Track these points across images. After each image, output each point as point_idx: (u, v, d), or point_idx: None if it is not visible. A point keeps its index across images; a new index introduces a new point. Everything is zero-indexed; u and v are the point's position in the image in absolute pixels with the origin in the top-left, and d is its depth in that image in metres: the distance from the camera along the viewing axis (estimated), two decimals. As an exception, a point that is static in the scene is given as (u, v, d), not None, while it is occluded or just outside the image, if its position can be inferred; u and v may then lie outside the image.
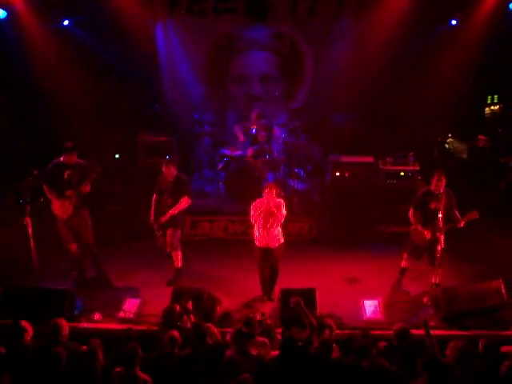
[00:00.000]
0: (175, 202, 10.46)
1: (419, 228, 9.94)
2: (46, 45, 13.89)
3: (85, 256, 10.92)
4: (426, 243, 9.96)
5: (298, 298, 8.25)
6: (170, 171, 10.43)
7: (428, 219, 9.89)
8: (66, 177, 10.45)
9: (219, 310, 9.60)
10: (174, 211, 10.44)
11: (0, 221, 12.26)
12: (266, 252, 10.04)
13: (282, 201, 9.97)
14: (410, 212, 10.08)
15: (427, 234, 9.85)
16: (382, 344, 7.59)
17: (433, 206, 9.82)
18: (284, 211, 9.86)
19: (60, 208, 10.53)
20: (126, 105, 15.06)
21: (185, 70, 15.46)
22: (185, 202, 10.52)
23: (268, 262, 10.13)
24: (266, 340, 7.61)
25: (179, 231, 10.66)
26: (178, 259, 10.72)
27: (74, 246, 10.73)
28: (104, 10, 13.80)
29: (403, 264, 10.56)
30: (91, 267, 10.98)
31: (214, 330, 7.92)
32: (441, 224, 9.75)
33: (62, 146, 10.43)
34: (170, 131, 14.84)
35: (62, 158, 10.49)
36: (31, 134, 14.31)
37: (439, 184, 9.75)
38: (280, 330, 8.41)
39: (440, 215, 9.73)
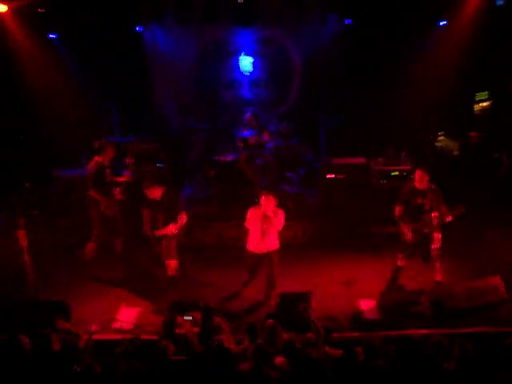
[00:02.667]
0: (169, 218, 10.22)
1: (402, 225, 10.06)
2: (34, 57, 13.90)
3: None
4: (414, 240, 10.07)
5: (306, 304, 8.26)
6: (154, 192, 10.11)
7: (415, 215, 10.00)
8: (108, 176, 10.84)
9: (216, 318, 9.55)
10: (171, 230, 10.23)
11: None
12: (259, 258, 10.03)
13: (282, 211, 9.90)
14: (396, 209, 10.12)
15: (410, 232, 10.00)
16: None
17: (419, 201, 9.89)
18: (283, 221, 9.83)
19: (108, 206, 10.99)
20: (115, 113, 15.07)
21: (175, 75, 15.45)
22: (183, 219, 10.40)
23: (260, 268, 10.14)
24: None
25: (175, 240, 10.57)
26: (172, 268, 10.60)
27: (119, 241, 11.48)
28: (89, 20, 13.75)
29: (399, 263, 10.58)
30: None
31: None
32: (428, 219, 9.87)
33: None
34: (159, 138, 14.81)
35: (97, 159, 10.78)
36: (21, 147, 14.27)
37: (422, 180, 9.80)
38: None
39: (427, 211, 9.86)
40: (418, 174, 9.90)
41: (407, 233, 10.07)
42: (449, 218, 9.75)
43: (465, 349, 6.80)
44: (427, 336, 7.55)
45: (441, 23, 14.40)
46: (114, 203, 11.14)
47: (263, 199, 9.67)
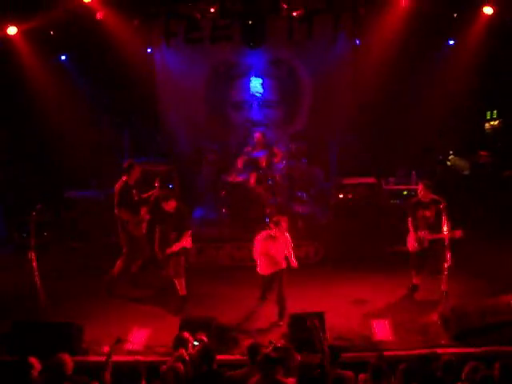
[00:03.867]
0: (180, 235, 10.45)
1: (412, 234, 10.51)
2: (45, 80, 13.97)
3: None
4: (418, 250, 10.42)
5: (314, 320, 8.20)
6: (170, 205, 10.44)
7: (420, 226, 10.46)
8: (135, 196, 10.94)
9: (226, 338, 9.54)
10: (178, 247, 10.43)
11: (5, 256, 12.24)
12: (269, 278, 10.23)
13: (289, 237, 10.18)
14: (408, 221, 10.60)
15: (414, 242, 10.43)
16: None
17: (421, 213, 10.47)
18: (290, 249, 10.16)
19: (136, 227, 11.03)
20: (126, 135, 15.17)
21: (185, 96, 15.52)
22: (188, 236, 10.56)
23: (271, 287, 10.30)
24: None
25: (183, 258, 10.61)
26: (183, 287, 10.64)
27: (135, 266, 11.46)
28: (100, 43, 13.85)
29: (414, 281, 10.77)
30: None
31: None
32: (432, 231, 10.28)
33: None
34: (170, 160, 14.85)
35: (124, 179, 10.91)
36: (33, 169, 14.35)
37: (425, 193, 10.48)
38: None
39: (432, 224, 10.35)
40: (420, 187, 10.64)
41: (410, 241, 10.50)
42: (444, 235, 9.93)
43: (477, 369, 6.75)
44: (437, 356, 7.47)
45: (450, 42, 14.35)
46: (141, 223, 11.19)
47: (276, 224, 9.92)
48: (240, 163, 14.11)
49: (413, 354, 8.33)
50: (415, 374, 6.94)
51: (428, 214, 10.42)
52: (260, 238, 10.10)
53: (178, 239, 10.41)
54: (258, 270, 10.25)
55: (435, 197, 10.31)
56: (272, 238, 9.97)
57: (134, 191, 11.05)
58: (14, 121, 14.50)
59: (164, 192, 11.17)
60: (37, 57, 13.57)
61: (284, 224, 9.95)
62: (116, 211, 11.01)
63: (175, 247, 10.38)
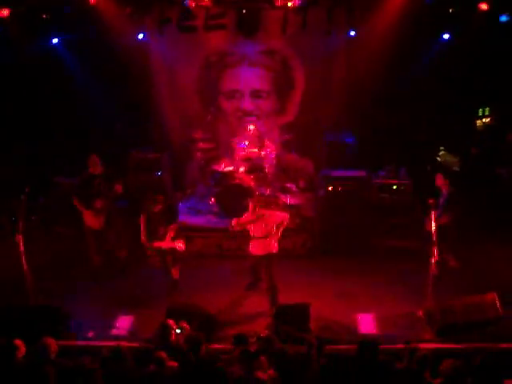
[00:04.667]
0: (166, 230, 10.60)
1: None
2: (37, 64, 13.90)
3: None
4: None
5: (288, 327, 8.29)
6: (156, 205, 10.63)
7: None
8: (95, 187, 10.89)
9: (213, 326, 9.56)
10: (168, 245, 10.61)
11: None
12: (259, 259, 10.39)
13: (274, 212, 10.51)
14: None
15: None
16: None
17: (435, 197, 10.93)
18: (281, 215, 10.46)
19: (91, 218, 11.04)
20: (118, 122, 15.13)
21: (178, 85, 15.47)
22: (177, 235, 10.72)
23: (261, 270, 10.45)
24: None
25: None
26: (177, 272, 10.91)
27: (97, 258, 11.33)
28: (94, 29, 13.75)
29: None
30: None
31: None
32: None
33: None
34: (161, 148, 14.81)
35: (90, 170, 10.99)
36: (22, 151, 14.29)
37: (438, 179, 11.65)
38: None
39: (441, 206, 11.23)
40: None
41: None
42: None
43: (455, 366, 6.79)
44: (414, 350, 7.48)
45: (444, 36, 14.30)
46: (97, 215, 11.11)
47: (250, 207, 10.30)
48: (239, 157, 14.16)
49: (394, 348, 8.35)
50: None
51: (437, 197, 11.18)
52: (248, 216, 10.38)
53: (165, 234, 10.58)
54: (249, 249, 10.47)
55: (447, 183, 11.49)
56: (259, 217, 10.22)
57: (97, 182, 10.98)
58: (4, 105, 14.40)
59: (149, 193, 11.21)
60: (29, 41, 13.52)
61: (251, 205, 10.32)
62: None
63: (165, 245, 10.50)
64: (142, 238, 10.67)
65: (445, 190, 11.54)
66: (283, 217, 10.43)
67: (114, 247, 11.65)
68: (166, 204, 10.74)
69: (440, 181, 11.67)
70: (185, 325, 8.34)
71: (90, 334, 9.44)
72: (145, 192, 11.47)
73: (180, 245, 10.63)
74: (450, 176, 11.98)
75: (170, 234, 10.63)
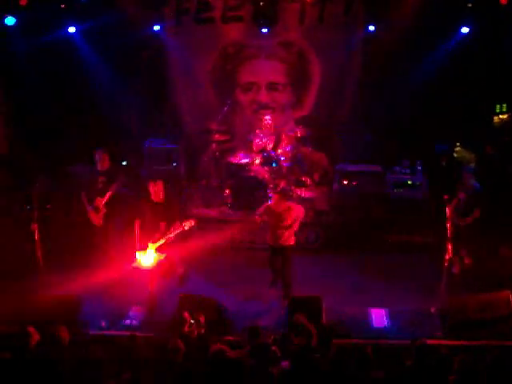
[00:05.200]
0: (169, 225, 10.13)
1: None
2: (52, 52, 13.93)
3: None
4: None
5: (300, 316, 8.24)
6: (158, 194, 10.36)
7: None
8: (98, 185, 10.84)
9: (225, 318, 9.57)
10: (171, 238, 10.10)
11: (8, 227, 12.23)
12: (275, 251, 10.41)
13: (297, 205, 10.56)
14: None
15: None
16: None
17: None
18: (300, 213, 10.37)
19: (93, 214, 10.95)
20: (134, 112, 15.15)
21: (195, 77, 15.46)
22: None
23: (278, 262, 10.42)
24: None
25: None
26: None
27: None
28: (112, 20, 13.75)
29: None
30: None
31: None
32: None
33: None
34: (176, 139, 14.83)
35: (96, 166, 10.91)
36: (36, 141, 14.32)
37: (466, 179, 11.28)
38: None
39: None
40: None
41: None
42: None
43: (465, 362, 6.76)
44: (430, 347, 7.45)
45: (462, 30, 14.14)
46: (98, 212, 11.00)
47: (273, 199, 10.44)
48: (255, 149, 14.17)
49: (406, 344, 8.33)
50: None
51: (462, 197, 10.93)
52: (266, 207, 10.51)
53: (167, 229, 10.08)
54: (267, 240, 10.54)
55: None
56: (276, 213, 10.22)
57: (101, 179, 10.93)
58: (19, 95, 14.45)
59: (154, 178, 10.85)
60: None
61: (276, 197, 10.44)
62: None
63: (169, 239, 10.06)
64: (137, 247, 10.14)
65: (471, 190, 11.14)
66: (302, 210, 10.43)
67: (112, 245, 11.52)
68: (167, 198, 10.51)
69: (468, 180, 11.34)
70: (200, 318, 8.35)
71: (103, 324, 9.48)
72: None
73: (187, 224, 10.01)
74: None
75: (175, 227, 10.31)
